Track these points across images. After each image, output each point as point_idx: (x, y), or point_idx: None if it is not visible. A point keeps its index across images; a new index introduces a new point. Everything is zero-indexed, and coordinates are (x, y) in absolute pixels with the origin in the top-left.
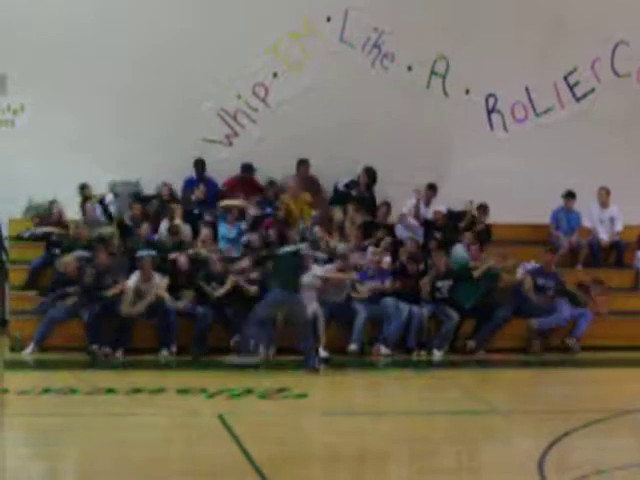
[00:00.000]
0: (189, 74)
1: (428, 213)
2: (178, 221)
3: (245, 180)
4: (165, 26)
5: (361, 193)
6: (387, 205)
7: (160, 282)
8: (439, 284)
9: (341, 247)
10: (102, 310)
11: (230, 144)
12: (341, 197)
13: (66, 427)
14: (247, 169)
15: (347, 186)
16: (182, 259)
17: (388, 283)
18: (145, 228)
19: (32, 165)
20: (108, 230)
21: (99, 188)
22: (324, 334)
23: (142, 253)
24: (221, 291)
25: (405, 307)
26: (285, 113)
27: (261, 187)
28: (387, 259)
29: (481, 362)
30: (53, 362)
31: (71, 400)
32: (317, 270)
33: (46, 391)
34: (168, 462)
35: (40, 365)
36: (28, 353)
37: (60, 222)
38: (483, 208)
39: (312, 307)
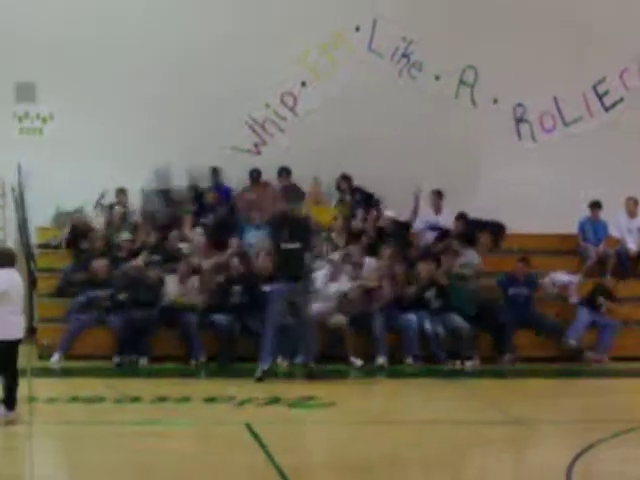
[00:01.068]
0: (218, 83)
1: (438, 220)
2: (187, 230)
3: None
4: (195, 35)
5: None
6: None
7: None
8: (427, 295)
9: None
10: (131, 318)
11: (259, 153)
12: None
13: (94, 435)
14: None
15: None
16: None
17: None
18: (153, 236)
19: (60, 173)
20: (127, 235)
21: (129, 196)
22: (351, 345)
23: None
24: None
25: (412, 317)
26: (313, 122)
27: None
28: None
29: (511, 372)
30: (81, 370)
31: (99, 408)
32: (343, 284)
33: (74, 399)
34: (195, 471)
35: (68, 373)
36: (55, 361)
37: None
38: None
39: (334, 319)
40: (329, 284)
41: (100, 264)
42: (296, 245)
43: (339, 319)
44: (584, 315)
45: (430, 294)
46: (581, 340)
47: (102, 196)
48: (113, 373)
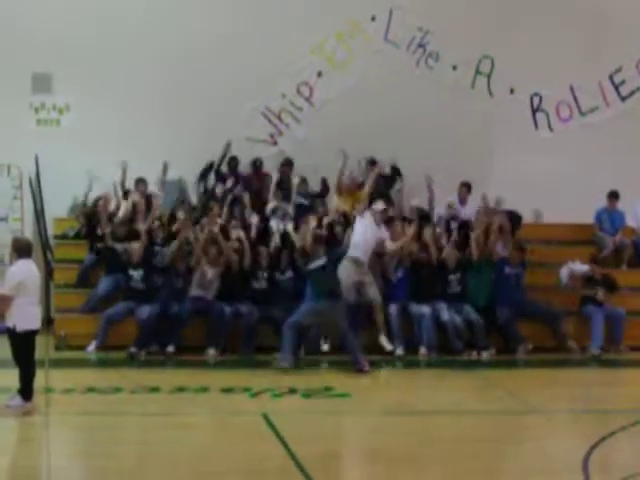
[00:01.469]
0: (234, 73)
1: (464, 213)
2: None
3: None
4: (210, 24)
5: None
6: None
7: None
8: (450, 277)
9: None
10: (165, 311)
11: (275, 143)
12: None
13: (110, 426)
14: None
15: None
16: None
17: None
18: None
19: (77, 164)
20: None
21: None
22: (383, 322)
23: None
24: None
25: (426, 309)
26: (329, 112)
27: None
28: None
29: (529, 362)
30: (98, 361)
31: (115, 399)
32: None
33: (90, 390)
34: (211, 461)
35: (85, 364)
36: (90, 350)
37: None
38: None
39: (371, 292)
40: (368, 235)
41: (135, 246)
42: (322, 262)
43: (374, 294)
44: (598, 316)
45: (454, 277)
46: (602, 345)
47: (124, 170)
48: (132, 364)
